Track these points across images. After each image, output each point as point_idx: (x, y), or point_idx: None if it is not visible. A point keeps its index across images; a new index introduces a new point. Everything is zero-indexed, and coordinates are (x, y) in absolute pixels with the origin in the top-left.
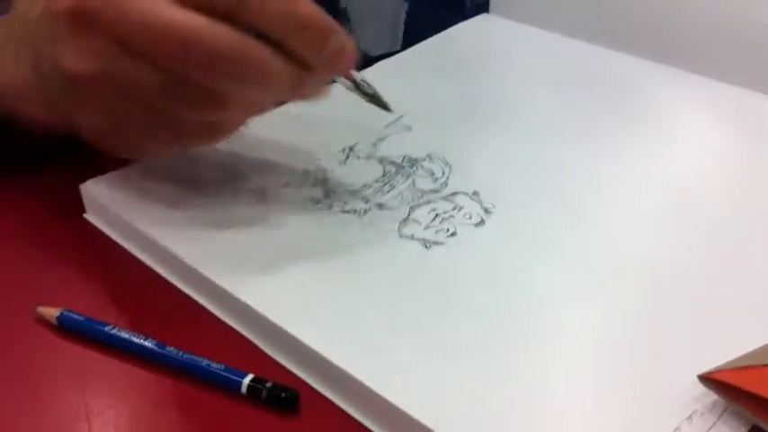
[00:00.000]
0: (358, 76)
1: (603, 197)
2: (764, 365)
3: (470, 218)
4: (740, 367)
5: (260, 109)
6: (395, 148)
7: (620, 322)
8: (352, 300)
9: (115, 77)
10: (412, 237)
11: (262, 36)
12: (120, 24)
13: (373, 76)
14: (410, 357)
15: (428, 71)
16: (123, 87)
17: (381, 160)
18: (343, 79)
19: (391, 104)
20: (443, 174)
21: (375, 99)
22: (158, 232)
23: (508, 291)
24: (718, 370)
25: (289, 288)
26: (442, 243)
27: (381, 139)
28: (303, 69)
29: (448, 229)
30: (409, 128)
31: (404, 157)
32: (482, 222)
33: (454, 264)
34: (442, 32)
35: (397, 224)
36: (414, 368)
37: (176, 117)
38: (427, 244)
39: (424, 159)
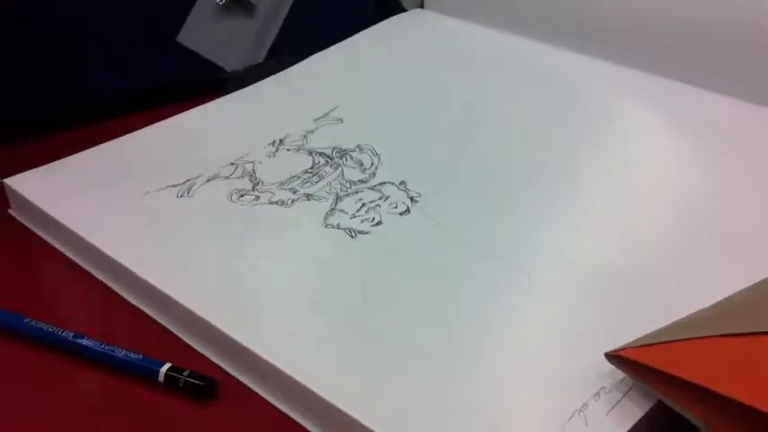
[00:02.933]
0: None
1: (530, 187)
2: (667, 342)
3: (396, 207)
4: (645, 345)
5: None
6: (325, 139)
7: (537, 307)
8: (273, 288)
9: None
10: (338, 226)
11: None
12: None
13: (307, 68)
14: (330, 345)
15: (361, 64)
16: None
17: (311, 152)
18: None
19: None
20: (372, 164)
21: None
22: (80, 227)
23: (429, 278)
24: (624, 347)
25: (209, 278)
26: (366, 232)
27: (311, 131)
28: None
29: (373, 219)
30: (340, 120)
31: (333, 149)
32: (407, 211)
33: (378, 252)
34: (377, 25)
35: (324, 214)
36: (333, 355)
37: None
38: (352, 233)
39: (354, 150)
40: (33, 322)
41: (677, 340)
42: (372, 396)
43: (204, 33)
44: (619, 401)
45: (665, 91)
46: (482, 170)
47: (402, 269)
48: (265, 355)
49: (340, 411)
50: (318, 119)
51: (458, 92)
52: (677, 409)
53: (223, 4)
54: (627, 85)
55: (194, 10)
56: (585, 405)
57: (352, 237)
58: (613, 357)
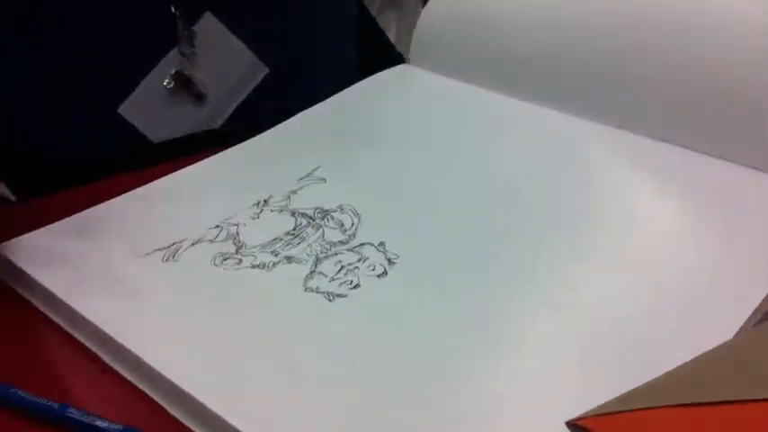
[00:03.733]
0: None
1: (515, 248)
2: (624, 411)
3: (374, 269)
4: (603, 414)
5: None
6: (308, 199)
7: (517, 368)
8: (251, 357)
9: None
10: (316, 290)
11: None
12: None
13: (291, 125)
14: (310, 413)
15: (346, 121)
16: None
17: (294, 212)
18: None
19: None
20: (353, 224)
21: None
22: (67, 294)
23: (403, 341)
24: (584, 416)
25: (192, 348)
26: (344, 295)
27: (294, 192)
28: None
29: (351, 281)
30: (323, 179)
31: (315, 209)
32: (384, 273)
33: (354, 316)
34: (362, 82)
35: (303, 277)
36: (311, 421)
37: None
38: (330, 297)
39: (335, 210)
40: (20, 392)
41: (636, 409)
42: None
43: (147, 111)
44: None
45: (659, 154)
46: (465, 230)
47: (376, 333)
48: (242, 426)
49: None
50: (302, 178)
51: (443, 150)
52: None
53: (170, 88)
54: (618, 146)
55: (140, 87)
56: None
57: (330, 300)
58: (573, 426)
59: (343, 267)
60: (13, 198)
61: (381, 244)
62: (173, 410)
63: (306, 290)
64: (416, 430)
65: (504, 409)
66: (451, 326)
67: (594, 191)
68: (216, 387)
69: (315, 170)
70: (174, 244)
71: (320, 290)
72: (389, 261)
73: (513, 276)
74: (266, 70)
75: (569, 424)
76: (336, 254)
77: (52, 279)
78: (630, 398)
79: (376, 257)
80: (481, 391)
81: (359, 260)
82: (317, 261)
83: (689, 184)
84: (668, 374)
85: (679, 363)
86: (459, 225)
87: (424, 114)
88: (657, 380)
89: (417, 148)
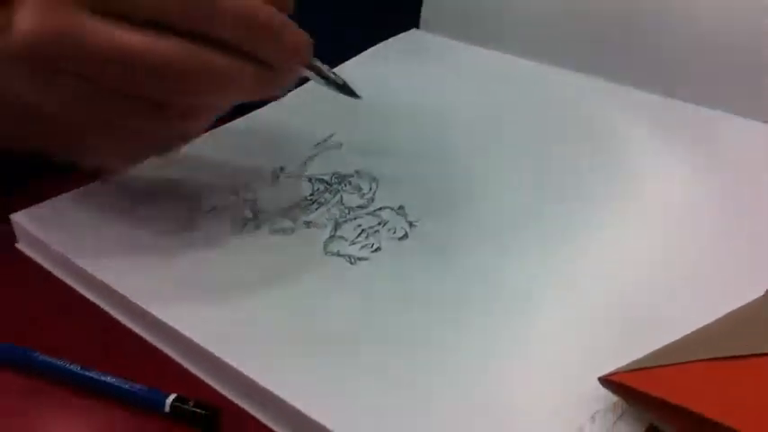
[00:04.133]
0: (325, 67)
1: (533, 212)
2: (660, 366)
3: (395, 232)
4: (637, 369)
5: (221, 110)
6: (324, 165)
7: (536, 333)
8: (274, 319)
9: (78, 107)
10: (337, 253)
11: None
12: (75, 60)
13: (306, 94)
14: (332, 374)
15: (359, 87)
16: (86, 113)
17: (310, 179)
18: (312, 73)
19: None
20: (370, 189)
21: (345, 88)
22: (87, 261)
23: (427, 304)
24: (617, 372)
25: (214, 310)
26: (366, 258)
27: (311, 158)
28: (262, 67)
29: (373, 244)
30: (339, 145)
31: (332, 175)
32: (406, 236)
33: (377, 278)
34: (374, 48)
35: (323, 241)
36: (336, 385)
37: (137, 131)
38: (352, 260)
39: (352, 176)
40: (42, 356)
41: (670, 364)
42: (371, 422)
43: None
44: (614, 424)
45: (665, 109)
46: (482, 193)
47: (401, 295)
48: (265, 383)
49: None
50: (318, 144)
51: (457, 114)
52: None
53: None
54: (626, 102)
55: None
56: (581, 428)
57: (351, 263)
58: (606, 382)
59: (363, 231)
60: None
61: (401, 208)
62: (194, 369)
63: (326, 253)
64: (436, 391)
65: (526, 373)
66: (475, 289)
67: (612, 151)
68: (237, 345)
69: (330, 137)
70: (191, 211)
71: (341, 253)
72: (410, 224)
73: (527, 241)
74: None
75: (602, 380)
76: (356, 218)
77: (69, 246)
78: (663, 354)
79: (396, 221)
80: (502, 358)
81: (379, 224)
82: (337, 225)
83: (697, 140)
84: (698, 331)
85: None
86: (474, 189)
87: (436, 79)
88: (688, 336)
89: (431, 111)
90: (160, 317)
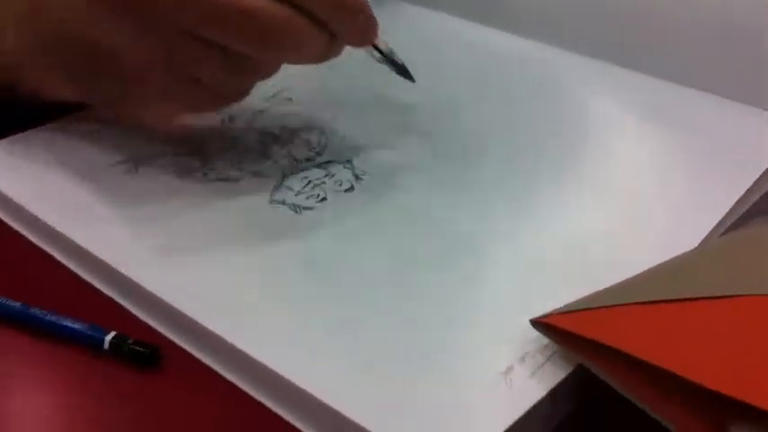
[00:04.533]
0: (389, 50)
1: (478, 172)
2: (589, 309)
3: (341, 184)
4: (567, 311)
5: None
6: (274, 118)
7: (469, 277)
8: (216, 262)
9: (160, 54)
10: (283, 202)
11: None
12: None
13: None
14: (274, 315)
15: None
16: (167, 62)
17: (260, 131)
18: (375, 52)
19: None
20: (319, 143)
21: (403, 70)
22: (29, 201)
23: (369, 253)
24: (549, 314)
25: (156, 251)
26: (311, 208)
27: (261, 111)
28: (331, 38)
29: (318, 195)
30: (290, 100)
31: (282, 127)
32: (351, 188)
33: (321, 228)
34: None
35: (269, 191)
36: (277, 324)
37: (209, 79)
38: (297, 209)
39: (302, 129)
40: None
41: (601, 307)
42: (315, 363)
43: None
44: (542, 365)
45: (645, 87)
46: (431, 149)
47: (344, 244)
48: (208, 324)
49: (284, 379)
50: (269, 98)
51: (419, 79)
52: (599, 374)
53: None
54: (607, 79)
55: None
56: (511, 368)
57: (296, 212)
58: (537, 324)
59: (309, 182)
60: None
61: (348, 161)
62: (141, 314)
63: (272, 202)
64: (387, 339)
65: (473, 313)
66: (418, 237)
67: (580, 122)
68: (180, 289)
69: (280, 91)
70: (136, 157)
71: (287, 202)
72: (356, 177)
73: (485, 194)
74: None
75: (534, 322)
76: (303, 170)
77: (14, 187)
78: (596, 297)
79: (343, 174)
80: (443, 303)
81: (326, 176)
82: (284, 177)
83: (681, 120)
84: (632, 278)
85: None
86: (423, 144)
87: (401, 44)
88: (620, 282)
89: (388, 73)
90: (103, 258)
